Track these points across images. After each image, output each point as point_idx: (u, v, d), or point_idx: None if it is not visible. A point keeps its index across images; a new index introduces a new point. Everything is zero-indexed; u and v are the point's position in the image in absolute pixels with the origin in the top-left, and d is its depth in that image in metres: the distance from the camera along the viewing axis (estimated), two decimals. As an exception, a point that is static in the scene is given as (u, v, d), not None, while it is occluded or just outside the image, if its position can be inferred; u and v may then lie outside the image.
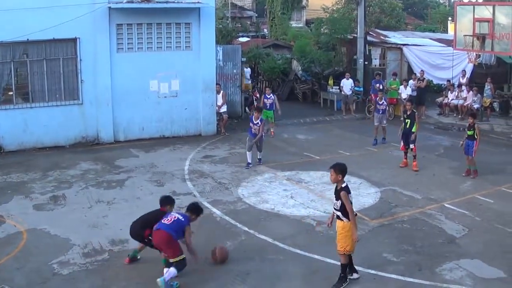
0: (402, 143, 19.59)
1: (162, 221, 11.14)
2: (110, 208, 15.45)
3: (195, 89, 24.37)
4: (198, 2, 23.55)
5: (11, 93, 22.00)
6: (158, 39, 23.62)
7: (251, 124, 19.50)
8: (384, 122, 22.79)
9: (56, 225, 14.10)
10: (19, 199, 16.19)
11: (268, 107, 24.18)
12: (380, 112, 22.68)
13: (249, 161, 19.42)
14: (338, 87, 31.77)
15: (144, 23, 23.24)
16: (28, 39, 21.24)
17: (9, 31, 20.67)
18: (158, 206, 11.74)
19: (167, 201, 12.02)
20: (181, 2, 23.49)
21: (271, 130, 24.39)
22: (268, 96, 24.46)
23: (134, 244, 12.81)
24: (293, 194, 16.49)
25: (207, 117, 24.74)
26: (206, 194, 16.58)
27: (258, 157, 19.81)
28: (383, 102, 22.83)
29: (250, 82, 33.44)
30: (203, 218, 14.34)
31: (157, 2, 23.09)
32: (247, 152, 19.50)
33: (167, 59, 23.76)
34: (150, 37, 23.47)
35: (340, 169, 10.74)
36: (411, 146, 19.09)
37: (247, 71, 33.47)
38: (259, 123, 19.38)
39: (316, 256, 12.29)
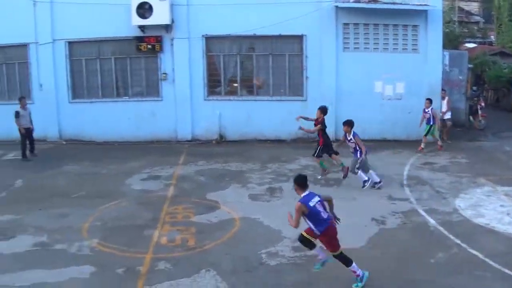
0: None
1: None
2: (325, 206, 15.29)
3: (420, 93, 23.59)
4: (425, 5, 22.92)
5: (236, 84, 22.80)
6: (385, 40, 23.33)
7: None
8: None
9: (269, 216, 14.27)
10: (236, 188, 16.68)
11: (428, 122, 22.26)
12: None
13: (366, 178, 17.26)
14: None
15: (371, 23, 23.10)
16: (254, 34, 21.85)
17: (236, 25, 21.54)
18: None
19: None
20: (408, 4, 22.94)
21: (439, 144, 22.56)
22: (427, 110, 22.16)
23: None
24: (509, 211, 15.25)
25: (430, 123, 23.81)
26: (422, 202, 15.86)
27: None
28: None
29: None
30: (417, 226, 13.79)
31: (384, 3, 22.74)
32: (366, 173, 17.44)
33: (393, 61, 23.39)
34: (377, 38, 23.24)
35: None
36: None
37: None
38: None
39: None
